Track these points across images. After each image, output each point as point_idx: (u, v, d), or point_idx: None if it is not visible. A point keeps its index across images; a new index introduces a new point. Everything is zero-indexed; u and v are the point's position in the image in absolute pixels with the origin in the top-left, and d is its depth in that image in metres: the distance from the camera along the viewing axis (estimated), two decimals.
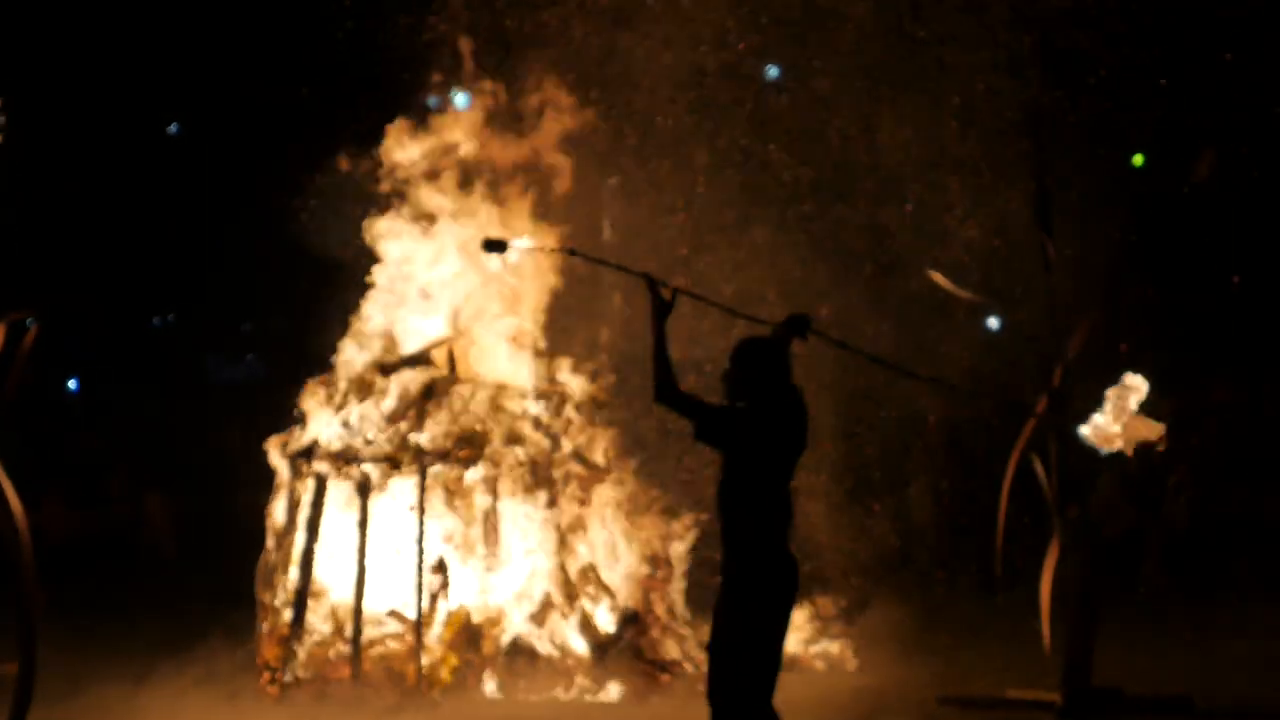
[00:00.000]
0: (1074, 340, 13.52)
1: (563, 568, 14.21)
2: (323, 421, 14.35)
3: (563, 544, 14.35)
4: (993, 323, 25.50)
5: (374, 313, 14.95)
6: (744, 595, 9.22)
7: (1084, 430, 13.19)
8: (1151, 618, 17.19)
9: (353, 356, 14.73)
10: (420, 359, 14.48)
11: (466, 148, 15.24)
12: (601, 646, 13.86)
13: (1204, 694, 13.26)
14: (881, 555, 18.32)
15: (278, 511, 14.27)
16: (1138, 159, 25.04)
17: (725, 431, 9.35)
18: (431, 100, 15.92)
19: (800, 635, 15.31)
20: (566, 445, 14.62)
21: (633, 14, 16.30)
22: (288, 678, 13.51)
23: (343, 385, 14.51)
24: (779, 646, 9.33)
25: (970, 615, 16.73)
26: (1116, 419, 13.09)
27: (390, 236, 15.00)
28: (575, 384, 14.94)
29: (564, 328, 15.67)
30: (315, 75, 19.48)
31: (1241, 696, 13.61)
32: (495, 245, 11.28)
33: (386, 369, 14.39)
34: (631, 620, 14.01)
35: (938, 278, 13.90)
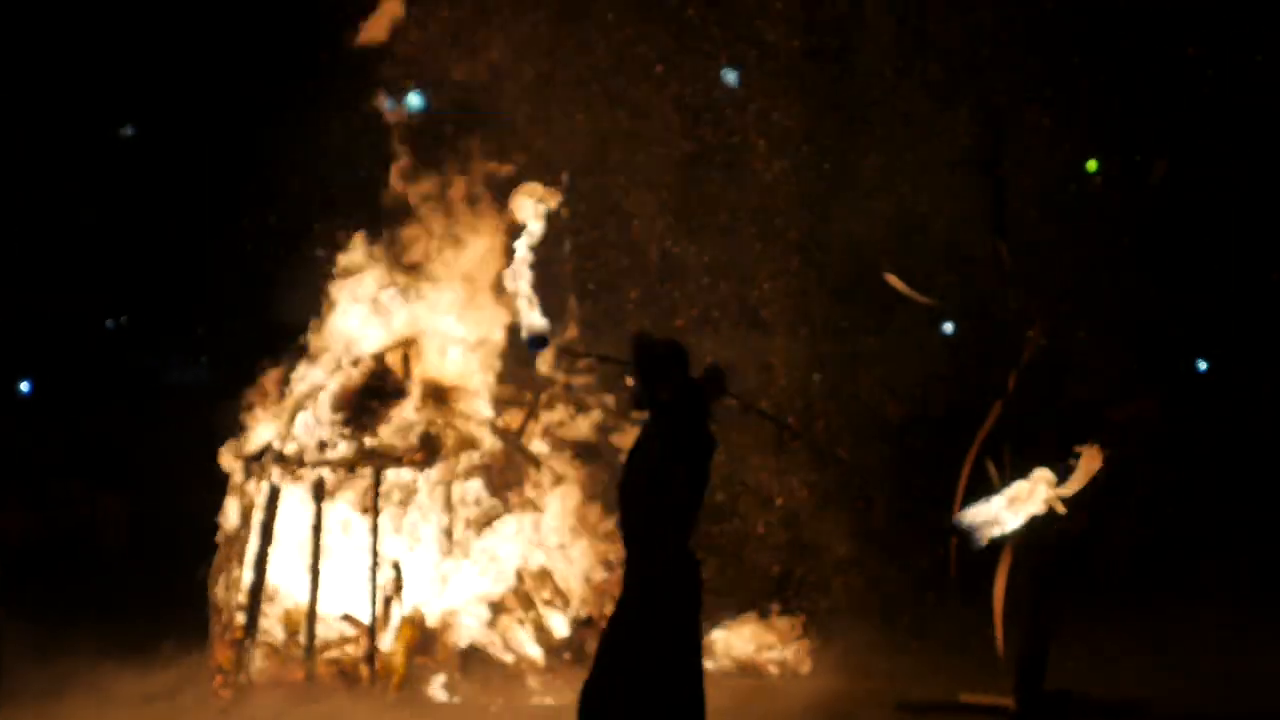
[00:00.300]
0: (1028, 346, 13.55)
1: (517, 572, 14.19)
2: (276, 425, 14.31)
3: (517, 548, 14.35)
4: (948, 328, 25.59)
5: (327, 319, 14.89)
6: (656, 607, 9.19)
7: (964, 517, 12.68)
8: (1106, 623, 17.24)
9: (305, 368, 14.69)
10: (377, 361, 14.44)
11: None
12: (555, 651, 13.84)
13: (1159, 699, 13.33)
14: (837, 560, 18.35)
15: (231, 515, 14.23)
16: (1091, 165, 25.14)
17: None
18: (388, 103, 15.86)
19: (756, 641, 15.34)
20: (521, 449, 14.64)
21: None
22: (241, 680, 13.46)
23: (296, 388, 14.47)
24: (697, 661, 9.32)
25: (925, 620, 16.74)
26: (1011, 505, 12.67)
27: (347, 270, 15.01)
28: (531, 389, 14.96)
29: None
30: (271, 74, 19.42)
31: (1196, 701, 13.68)
32: (538, 342, 11.16)
33: (343, 372, 14.36)
34: (585, 624, 14.00)
35: (894, 281, 13.92)
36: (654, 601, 9.11)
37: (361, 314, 14.77)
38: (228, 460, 14.35)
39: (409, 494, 14.07)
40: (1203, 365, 26.90)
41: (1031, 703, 13.04)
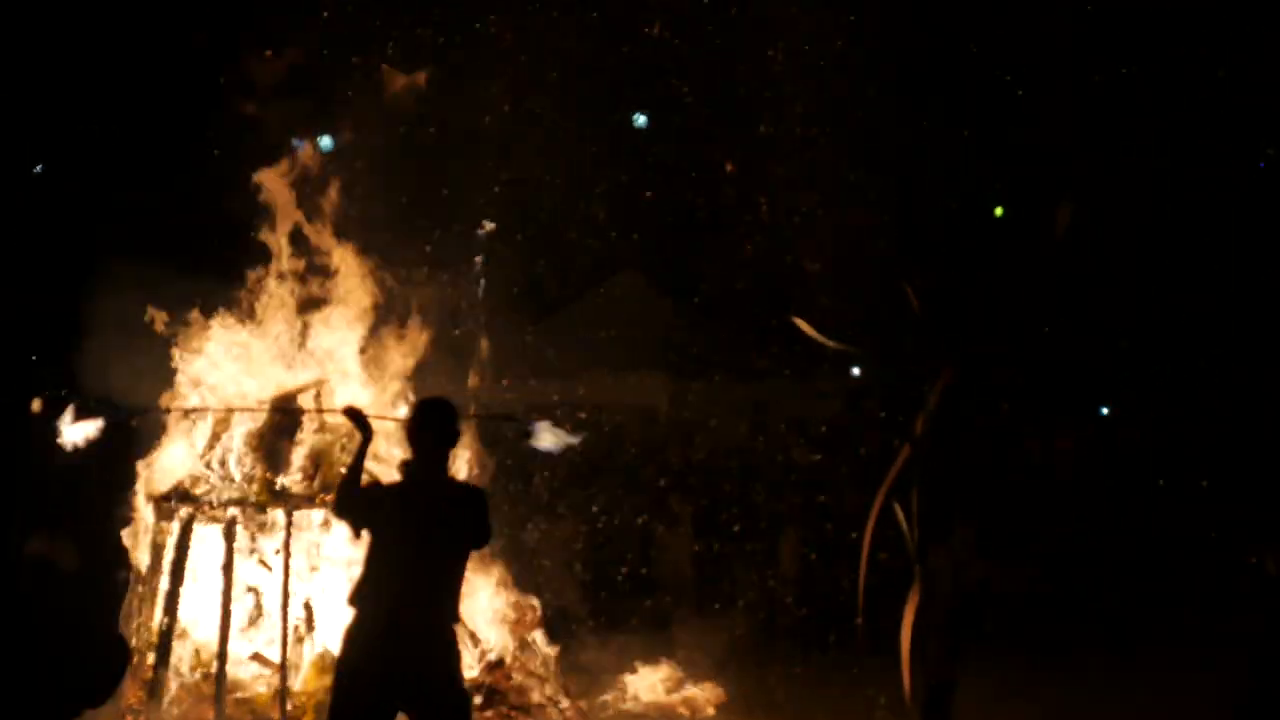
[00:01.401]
0: (936, 389, 13.66)
1: None
2: (187, 463, 14.27)
3: None
4: (856, 371, 25.79)
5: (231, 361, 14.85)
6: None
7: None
8: (1010, 669, 17.39)
9: (212, 400, 14.63)
10: (287, 401, 14.41)
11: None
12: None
13: None
14: (746, 604, 18.45)
15: (142, 554, 14.17)
16: (998, 211, 25.42)
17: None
18: (295, 143, 15.85)
19: (664, 684, 15.41)
20: None
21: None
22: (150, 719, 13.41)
23: (206, 428, 14.43)
24: None
25: (834, 663, 16.83)
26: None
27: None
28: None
29: (429, 375, 15.67)
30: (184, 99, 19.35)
31: None
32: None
33: (254, 413, 14.32)
34: (496, 666, 14.01)
35: (803, 325, 14.00)
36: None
37: (270, 354, 14.76)
38: (137, 499, 14.29)
39: (320, 534, 14.07)
40: (1104, 410, 27.24)
41: None
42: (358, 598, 10.06)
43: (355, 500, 10.34)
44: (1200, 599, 19.50)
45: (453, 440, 10.41)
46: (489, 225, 15.66)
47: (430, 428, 10.32)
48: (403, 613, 9.91)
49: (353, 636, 9.96)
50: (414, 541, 10.07)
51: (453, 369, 15.84)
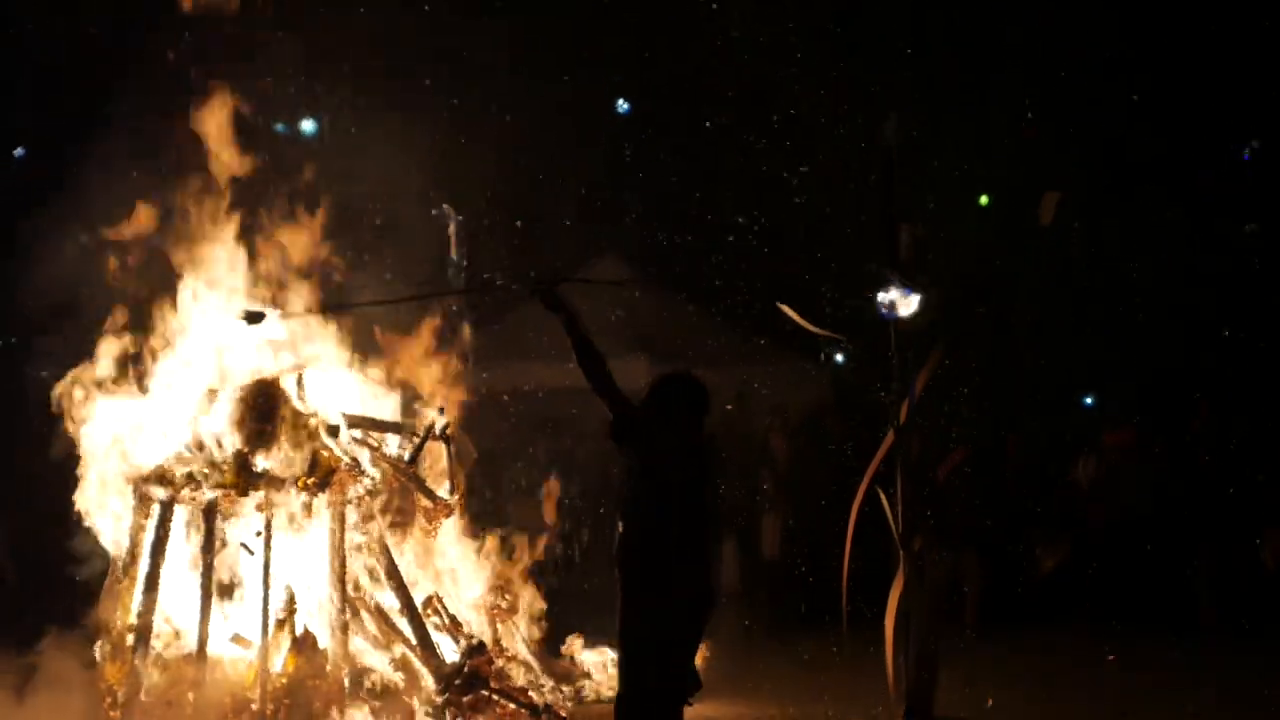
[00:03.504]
0: (920, 376, 13.67)
1: (408, 596, 14.17)
2: (166, 445, 14.22)
3: (406, 574, 14.35)
4: (839, 357, 25.80)
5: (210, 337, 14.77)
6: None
7: None
8: (994, 650, 17.45)
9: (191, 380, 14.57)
10: (269, 386, 14.33)
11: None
12: (447, 675, 13.81)
13: None
14: (727, 586, 18.44)
15: (120, 536, 14.12)
16: (984, 199, 25.44)
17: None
18: (279, 127, 15.78)
19: None
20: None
21: None
22: (130, 701, 13.34)
23: (188, 409, 14.37)
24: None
25: (816, 647, 16.84)
26: None
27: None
28: (427, 417, 14.93)
29: (412, 362, 15.65)
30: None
31: None
32: (254, 317, 11.52)
33: (236, 396, 14.25)
34: (478, 650, 13.97)
35: (788, 310, 13.99)
36: None
37: (253, 338, 14.69)
38: (117, 480, 14.23)
39: (301, 517, 14.02)
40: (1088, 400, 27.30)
41: None
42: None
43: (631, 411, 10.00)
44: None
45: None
46: (451, 212, 15.56)
47: (702, 412, 10.09)
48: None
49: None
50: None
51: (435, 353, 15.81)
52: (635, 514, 9.87)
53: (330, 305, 14.34)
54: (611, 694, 14.94)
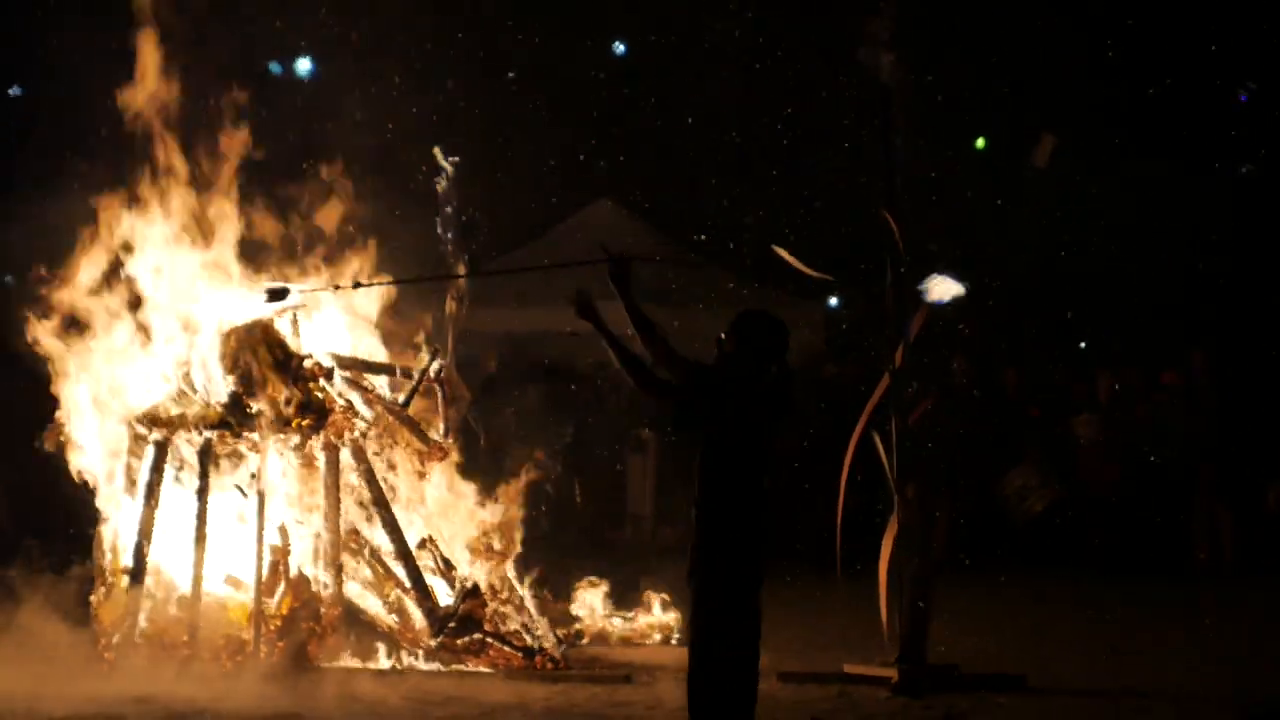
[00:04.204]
0: (916, 320, 13.63)
1: (402, 539, 14.17)
2: (161, 385, 14.20)
3: (402, 516, 14.36)
4: (834, 301, 25.78)
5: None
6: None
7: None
8: (988, 595, 17.51)
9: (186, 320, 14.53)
10: (264, 327, 14.28)
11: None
12: (441, 618, 13.82)
13: (1037, 671, 13.51)
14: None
15: (116, 478, 14.11)
16: (980, 142, 25.40)
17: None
18: (274, 66, 15.70)
19: (637, 608, 15.40)
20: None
21: None
22: (125, 642, 13.34)
23: (182, 352, 14.34)
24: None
25: (811, 592, 16.85)
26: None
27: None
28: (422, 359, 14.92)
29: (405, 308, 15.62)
30: None
31: (1070, 673, 13.91)
32: (276, 294, 11.47)
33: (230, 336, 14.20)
34: (472, 594, 13.97)
35: (782, 253, 13.92)
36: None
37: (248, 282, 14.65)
38: (111, 423, 14.21)
39: (295, 459, 14.03)
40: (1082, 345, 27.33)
41: (913, 674, 13.14)
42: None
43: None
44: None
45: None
46: (443, 158, 15.45)
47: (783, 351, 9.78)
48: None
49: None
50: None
51: (429, 298, 15.76)
52: (712, 499, 9.68)
53: (355, 283, 14.30)
54: (604, 632, 15.06)
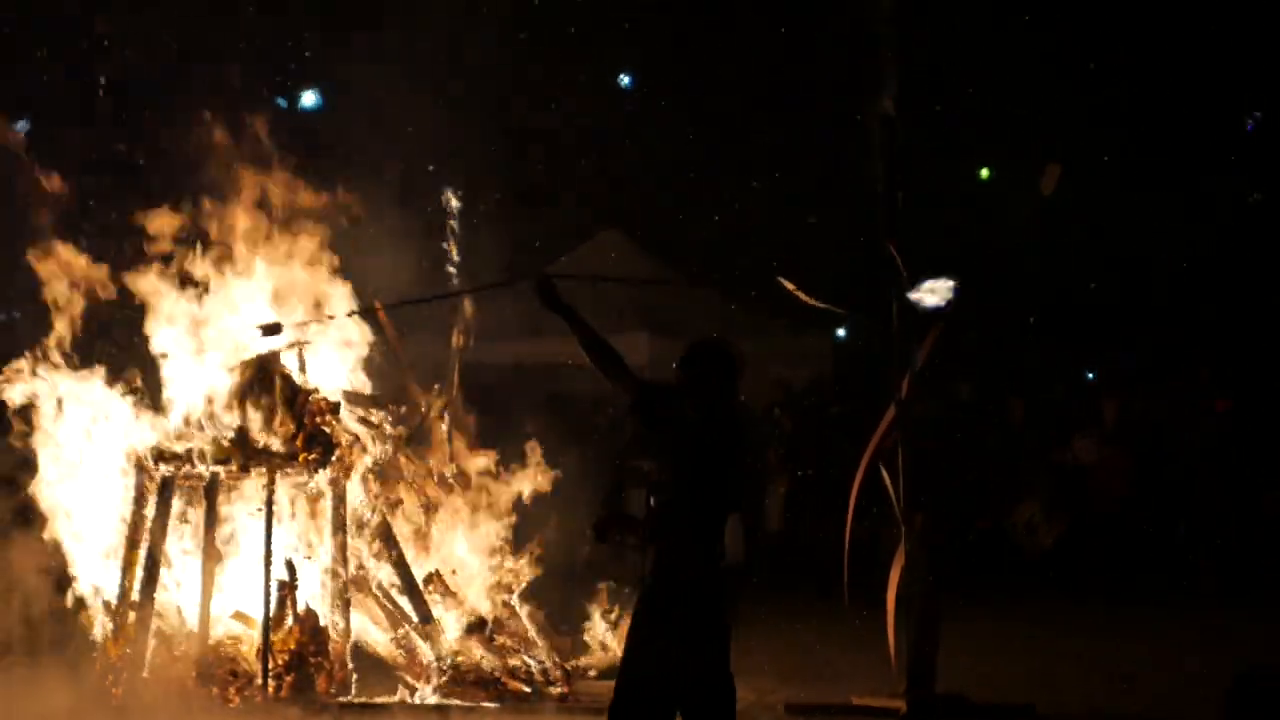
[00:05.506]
0: (922, 350, 13.63)
1: (409, 573, 14.18)
2: (166, 421, 14.21)
3: (408, 551, 14.37)
4: (840, 332, 25.78)
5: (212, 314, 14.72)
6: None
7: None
8: (996, 624, 17.47)
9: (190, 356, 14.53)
10: (270, 361, 14.29)
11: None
12: (448, 653, 13.82)
13: (1045, 700, 13.48)
14: (730, 558, 18.35)
15: (123, 511, 14.11)
16: (984, 172, 25.42)
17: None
18: (279, 100, 15.73)
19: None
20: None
21: None
22: (133, 678, 13.35)
23: (188, 387, 14.36)
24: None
25: (818, 622, 16.83)
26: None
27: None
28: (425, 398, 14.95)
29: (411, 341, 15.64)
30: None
31: (1079, 701, 13.88)
32: (271, 329, 11.51)
33: (236, 371, 14.21)
34: (478, 628, 13.98)
35: (788, 285, 13.93)
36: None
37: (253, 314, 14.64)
38: (117, 456, 14.21)
39: (302, 494, 14.03)
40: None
41: (921, 705, 13.11)
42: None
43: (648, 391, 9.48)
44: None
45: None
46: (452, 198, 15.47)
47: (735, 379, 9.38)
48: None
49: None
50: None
51: (438, 329, 15.78)
52: (666, 494, 9.57)
53: (350, 311, 14.32)
54: (610, 664, 15.03)
